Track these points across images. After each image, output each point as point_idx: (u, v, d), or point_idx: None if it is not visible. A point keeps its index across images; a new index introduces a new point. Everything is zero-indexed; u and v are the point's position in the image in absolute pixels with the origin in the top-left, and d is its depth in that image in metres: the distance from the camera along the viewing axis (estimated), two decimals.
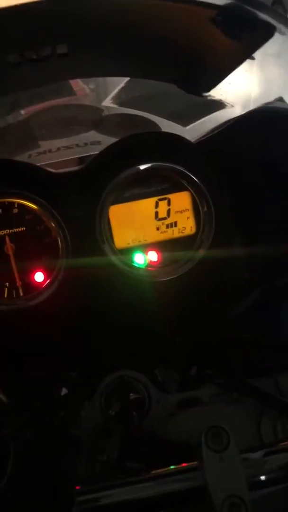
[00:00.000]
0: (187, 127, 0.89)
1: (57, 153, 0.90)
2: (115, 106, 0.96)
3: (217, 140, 0.80)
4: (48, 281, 0.76)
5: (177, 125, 0.90)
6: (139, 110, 0.94)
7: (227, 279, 0.80)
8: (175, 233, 0.80)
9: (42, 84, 0.84)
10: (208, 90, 0.85)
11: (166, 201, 0.79)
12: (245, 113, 0.82)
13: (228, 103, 0.88)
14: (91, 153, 0.82)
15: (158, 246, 0.80)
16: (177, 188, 0.79)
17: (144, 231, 0.80)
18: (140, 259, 0.80)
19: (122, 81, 0.96)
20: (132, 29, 0.68)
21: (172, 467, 0.58)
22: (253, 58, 0.78)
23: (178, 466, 0.57)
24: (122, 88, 0.95)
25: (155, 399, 0.70)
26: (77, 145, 0.91)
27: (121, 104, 0.96)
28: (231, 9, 0.63)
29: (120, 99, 0.96)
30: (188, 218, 0.80)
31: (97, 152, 0.79)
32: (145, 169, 0.77)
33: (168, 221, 0.80)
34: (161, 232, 0.80)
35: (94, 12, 0.64)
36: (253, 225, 0.82)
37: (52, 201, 0.76)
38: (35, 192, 0.75)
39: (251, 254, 0.80)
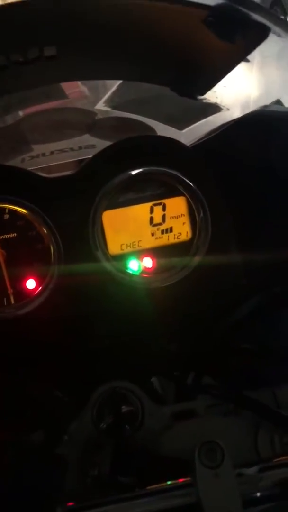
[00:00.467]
0: (183, 131, 0.88)
1: (51, 157, 0.89)
2: (109, 109, 0.95)
3: (213, 144, 0.79)
4: (40, 288, 0.75)
5: (173, 128, 0.89)
6: (134, 113, 0.93)
7: (224, 286, 0.79)
8: (170, 239, 0.79)
9: (33, 86, 0.82)
10: (203, 93, 0.84)
11: (161, 206, 0.78)
12: (242, 116, 0.80)
13: (223, 106, 0.86)
14: (86, 157, 0.81)
15: (153, 252, 0.79)
16: (173, 193, 0.78)
17: (139, 237, 0.78)
18: (134, 265, 0.78)
19: (115, 84, 0.94)
20: (124, 31, 0.67)
21: (166, 482, 0.56)
22: (247, 61, 0.76)
23: (171, 482, 0.55)
24: (115, 91, 0.94)
25: (148, 412, 0.68)
26: (71, 149, 0.90)
27: (114, 107, 0.95)
28: (223, 10, 0.61)
29: (113, 102, 0.94)
30: (183, 223, 0.79)
31: (91, 156, 0.77)
32: (139, 173, 0.76)
33: (163, 227, 0.78)
34: (156, 238, 0.79)
35: (84, 13, 0.62)
36: (251, 230, 0.80)
37: (43, 207, 0.74)
38: (26, 197, 0.74)
39: (249, 260, 0.78)
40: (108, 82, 0.96)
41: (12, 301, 0.75)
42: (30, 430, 0.60)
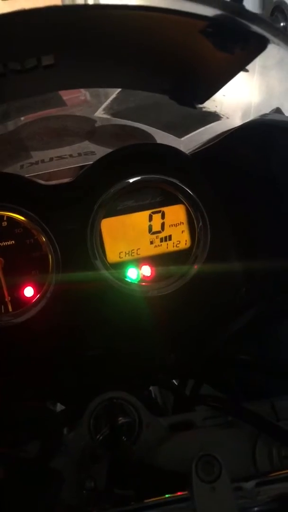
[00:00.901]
0: (182, 139, 0.87)
1: (50, 163, 0.88)
2: (108, 116, 0.95)
3: (213, 152, 0.78)
4: (38, 296, 0.74)
5: (172, 136, 0.88)
6: (133, 120, 0.92)
7: (223, 294, 0.78)
8: (169, 247, 0.78)
9: (31, 95, 0.82)
10: (202, 102, 0.83)
11: (160, 214, 0.77)
12: (241, 124, 0.80)
13: (223, 115, 0.86)
14: (85, 164, 0.80)
15: (152, 260, 0.78)
16: (172, 201, 0.77)
17: (137, 245, 0.77)
18: (133, 274, 0.78)
19: (114, 92, 0.94)
20: (122, 40, 0.67)
21: (163, 496, 0.55)
22: (247, 70, 0.76)
23: (168, 496, 0.55)
24: (114, 98, 0.94)
25: (145, 423, 0.67)
26: (71, 156, 0.90)
27: (114, 114, 0.94)
28: (222, 21, 0.61)
29: (113, 110, 0.94)
30: (182, 231, 0.78)
31: (91, 162, 0.77)
32: (138, 181, 0.75)
33: (162, 235, 0.78)
34: (155, 246, 0.78)
35: (82, 22, 0.62)
36: (251, 239, 0.79)
37: (42, 214, 0.74)
38: (24, 205, 0.73)
39: (248, 269, 0.78)
40: (108, 89, 0.96)
41: (10, 309, 0.75)
42: (25, 442, 0.59)
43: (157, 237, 0.78)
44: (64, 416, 0.74)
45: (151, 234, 0.78)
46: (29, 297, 0.75)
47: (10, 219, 0.74)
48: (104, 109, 0.96)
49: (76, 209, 0.75)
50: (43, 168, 0.86)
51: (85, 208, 0.75)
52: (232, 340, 0.76)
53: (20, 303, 0.74)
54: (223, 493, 0.52)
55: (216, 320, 0.77)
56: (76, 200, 0.75)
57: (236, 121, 0.85)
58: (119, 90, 0.93)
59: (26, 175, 0.80)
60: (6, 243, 0.74)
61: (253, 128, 0.81)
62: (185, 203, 0.77)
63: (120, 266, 0.77)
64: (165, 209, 0.77)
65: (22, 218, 0.74)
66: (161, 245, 0.78)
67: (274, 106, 0.85)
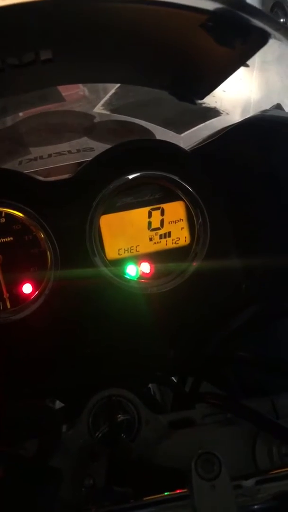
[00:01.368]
0: (182, 135, 0.87)
1: (49, 159, 0.88)
2: (107, 112, 0.94)
3: (213, 148, 0.78)
4: (36, 293, 0.74)
5: (172, 132, 0.88)
6: (132, 116, 0.92)
7: (222, 291, 0.78)
8: (168, 243, 0.78)
9: (29, 90, 0.81)
10: (202, 98, 0.83)
11: (159, 211, 0.77)
12: (241, 120, 0.80)
13: (223, 111, 0.85)
14: (84, 160, 0.80)
15: (151, 257, 0.78)
16: (171, 197, 0.77)
17: (137, 242, 0.77)
18: (132, 270, 0.77)
19: (113, 88, 0.93)
20: (121, 35, 0.66)
21: (162, 494, 0.55)
22: (247, 65, 0.75)
23: (167, 494, 0.54)
24: (114, 94, 0.93)
25: (145, 420, 0.67)
26: (70, 152, 0.89)
27: (113, 110, 0.94)
28: (223, 15, 0.60)
29: (112, 106, 0.94)
30: (182, 228, 0.78)
31: (90, 159, 0.76)
32: (137, 177, 0.75)
33: (161, 232, 0.78)
34: (154, 243, 0.78)
35: (80, 16, 0.61)
36: (251, 235, 0.79)
37: (40, 211, 0.73)
38: (22, 201, 0.73)
39: (248, 266, 0.77)
40: (107, 85, 0.95)
41: (8, 306, 0.75)
42: (24, 440, 0.59)
43: (156, 234, 0.77)
44: (63, 413, 0.74)
45: (150, 230, 0.77)
46: (28, 294, 0.74)
47: (8, 215, 0.74)
48: (103, 105, 0.95)
49: (75, 206, 0.75)
50: (41, 164, 0.85)
51: (84, 204, 0.74)
52: (232, 337, 0.76)
53: (19, 299, 0.74)
54: (223, 491, 0.51)
55: (216, 317, 0.77)
56: (75, 197, 0.75)
57: (236, 117, 0.84)
58: (118, 85, 0.92)
59: (25, 171, 0.79)
60: (4, 239, 0.74)
61: (253, 124, 0.80)
62: (184, 199, 0.76)
63: (119, 263, 0.76)
64: (164, 205, 0.77)
65: (21, 214, 0.73)
66: (160, 242, 0.78)
67: (274, 102, 0.84)
